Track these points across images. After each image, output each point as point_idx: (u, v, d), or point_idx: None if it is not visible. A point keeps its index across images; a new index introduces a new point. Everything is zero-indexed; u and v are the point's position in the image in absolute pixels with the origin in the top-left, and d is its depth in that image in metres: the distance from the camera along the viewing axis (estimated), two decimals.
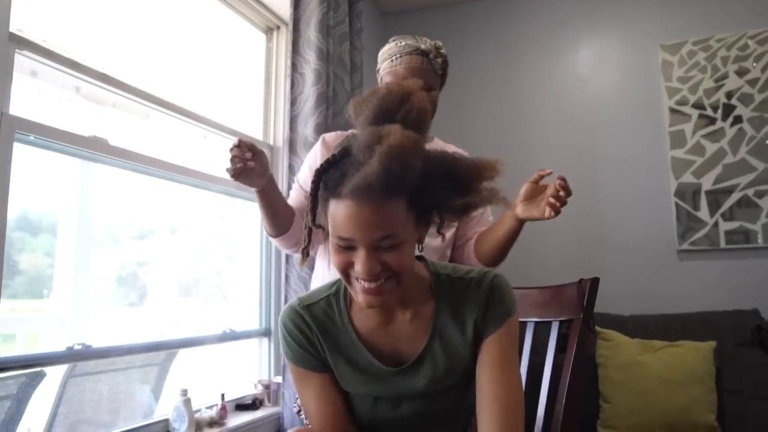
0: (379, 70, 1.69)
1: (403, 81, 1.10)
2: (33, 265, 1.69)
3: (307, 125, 2.27)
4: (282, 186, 2.38)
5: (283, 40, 2.70)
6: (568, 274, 2.91)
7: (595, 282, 1.44)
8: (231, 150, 1.34)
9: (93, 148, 1.69)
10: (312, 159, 1.68)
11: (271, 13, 2.67)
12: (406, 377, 1.03)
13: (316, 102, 2.25)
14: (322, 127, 2.24)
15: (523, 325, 1.45)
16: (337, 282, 1.08)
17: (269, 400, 2.32)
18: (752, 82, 2.78)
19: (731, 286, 2.73)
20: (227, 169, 1.34)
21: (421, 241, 0.99)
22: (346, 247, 0.90)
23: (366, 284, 0.92)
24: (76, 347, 1.62)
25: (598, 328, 2.51)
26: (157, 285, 2.10)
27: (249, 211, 2.52)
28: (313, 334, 1.04)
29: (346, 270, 0.93)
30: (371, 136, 0.87)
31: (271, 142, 2.63)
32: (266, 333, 2.51)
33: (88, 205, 1.84)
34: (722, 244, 2.77)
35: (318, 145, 1.67)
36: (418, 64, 1.61)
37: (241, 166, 1.33)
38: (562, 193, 1.50)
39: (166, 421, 1.87)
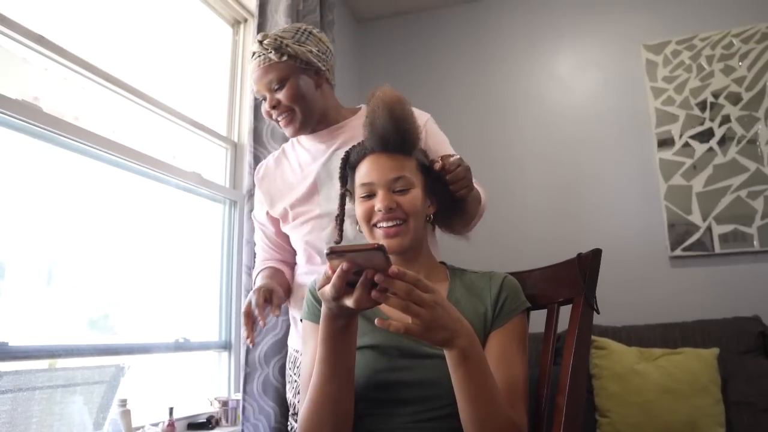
0: None
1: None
2: None
3: None
4: (244, 183, 2.18)
5: (250, 32, 2.54)
6: None
7: (597, 253, 1.25)
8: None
9: (23, 114, 1.46)
10: (259, 198, 1.63)
11: (239, 4, 2.51)
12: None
13: None
14: None
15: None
16: None
17: (227, 420, 2.05)
18: (739, 81, 2.68)
19: (729, 293, 2.56)
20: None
21: (428, 214, 1.19)
22: (368, 195, 1.12)
23: (384, 225, 1.10)
24: None
25: (592, 337, 2.31)
26: (103, 285, 1.85)
27: (209, 211, 2.30)
28: None
29: (369, 218, 1.12)
30: (369, 111, 1.17)
31: (236, 139, 2.43)
32: (226, 346, 2.26)
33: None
34: (717, 249, 2.61)
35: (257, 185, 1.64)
36: (257, 66, 1.44)
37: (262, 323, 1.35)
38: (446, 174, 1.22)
39: None
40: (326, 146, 1.53)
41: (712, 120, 2.69)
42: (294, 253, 1.59)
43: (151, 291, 2.03)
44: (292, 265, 1.62)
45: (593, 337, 2.27)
